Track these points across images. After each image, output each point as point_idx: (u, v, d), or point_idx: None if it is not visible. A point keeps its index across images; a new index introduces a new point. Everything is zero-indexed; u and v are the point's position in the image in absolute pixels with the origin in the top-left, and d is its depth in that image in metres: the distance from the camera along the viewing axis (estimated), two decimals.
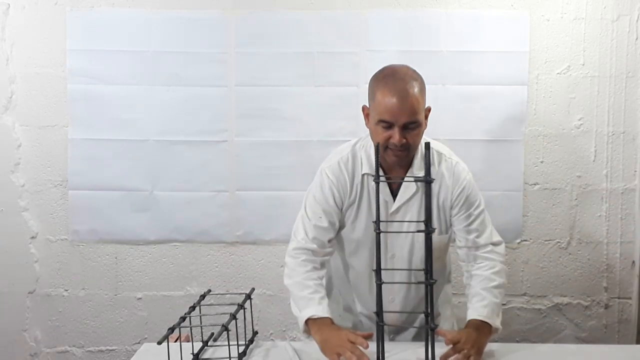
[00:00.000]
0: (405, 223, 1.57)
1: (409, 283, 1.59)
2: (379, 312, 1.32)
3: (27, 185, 2.35)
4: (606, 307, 2.39)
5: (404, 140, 1.47)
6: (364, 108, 1.59)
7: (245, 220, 2.36)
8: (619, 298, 2.38)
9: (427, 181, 1.33)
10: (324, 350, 1.44)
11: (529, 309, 2.39)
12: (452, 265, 1.80)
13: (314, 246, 1.58)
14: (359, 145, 1.64)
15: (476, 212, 1.59)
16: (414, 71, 1.53)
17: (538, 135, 2.33)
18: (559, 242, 2.37)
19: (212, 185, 2.34)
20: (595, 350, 1.60)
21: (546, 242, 2.37)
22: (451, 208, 1.59)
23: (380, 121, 1.48)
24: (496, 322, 1.52)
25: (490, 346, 1.51)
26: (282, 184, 2.32)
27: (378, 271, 1.32)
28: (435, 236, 1.41)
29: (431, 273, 1.31)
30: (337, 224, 1.61)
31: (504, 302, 2.38)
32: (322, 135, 2.29)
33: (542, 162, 2.34)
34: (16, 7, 2.29)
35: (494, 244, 1.60)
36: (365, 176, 1.59)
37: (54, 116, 2.33)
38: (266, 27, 2.30)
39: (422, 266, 1.36)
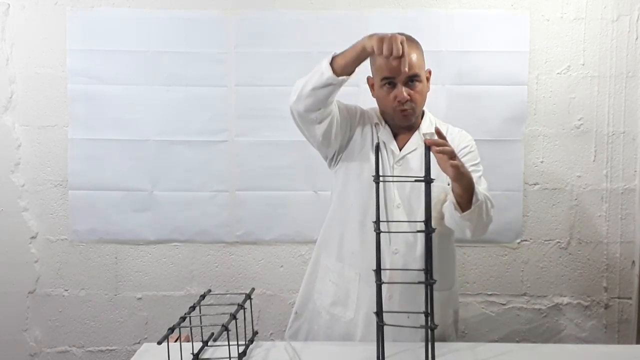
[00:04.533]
0: (404, 176, 1.61)
1: (410, 283, 1.59)
2: (379, 312, 1.32)
3: (27, 185, 2.36)
4: (606, 307, 2.39)
5: (408, 96, 1.57)
6: (368, 79, 1.69)
7: (245, 220, 2.36)
8: (619, 298, 2.38)
9: (427, 181, 1.33)
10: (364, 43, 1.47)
11: (529, 309, 2.39)
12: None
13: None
14: (368, 109, 1.74)
15: (475, 168, 1.62)
16: (410, 36, 1.62)
17: (538, 135, 2.33)
18: (559, 242, 2.37)
19: (212, 185, 2.34)
20: (595, 350, 1.60)
21: (546, 242, 2.37)
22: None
23: (384, 79, 1.59)
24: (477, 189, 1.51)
25: (491, 346, 1.52)
26: (282, 184, 2.32)
27: (378, 271, 1.32)
28: (438, 185, 1.52)
29: (431, 273, 1.31)
30: (342, 121, 1.64)
31: (504, 302, 2.38)
32: None
33: (542, 162, 2.34)
34: (16, 7, 2.29)
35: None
36: (375, 126, 1.68)
37: (54, 116, 2.33)
38: (266, 27, 2.30)
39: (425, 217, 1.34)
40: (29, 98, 2.33)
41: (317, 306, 1.75)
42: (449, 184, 1.63)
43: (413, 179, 1.42)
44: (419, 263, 1.55)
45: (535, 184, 2.35)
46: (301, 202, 2.34)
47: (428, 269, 1.31)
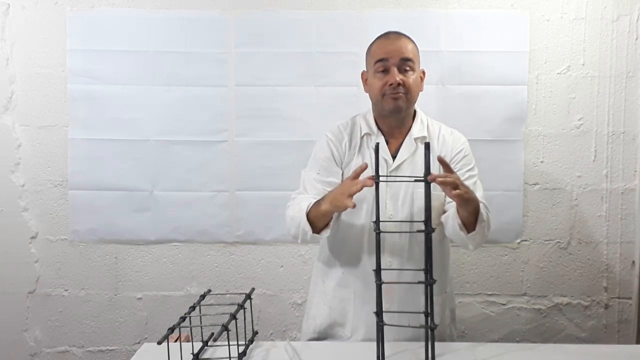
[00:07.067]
0: (405, 176, 1.60)
1: (410, 283, 1.58)
2: (379, 312, 1.32)
3: (27, 185, 2.36)
4: (606, 307, 2.39)
5: (401, 80, 1.57)
6: (362, 74, 1.70)
7: (245, 220, 2.36)
8: (619, 298, 2.38)
9: (426, 181, 1.33)
10: (336, 203, 1.46)
11: (529, 309, 2.39)
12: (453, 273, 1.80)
13: (312, 200, 1.59)
14: (358, 116, 1.74)
15: (470, 173, 1.63)
16: (404, 33, 1.66)
17: (538, 135, 2.33)
18: (559, 242, 2.37)
19: (212, 185, 2.34)
20: (595, 350, 1.60)
21: (546, 242, 2.37)
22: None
23: (377, 62, 1.60)
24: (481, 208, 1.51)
25: (491, 346, 1.51)
26: (282, 184, 2.31)
27: (378, 271, 1.32)
28: (434, 192, 1.48)
29: (431, 273, 1.31)
30: (336, 183, 1.63)
31: (504, 302, 2.38)
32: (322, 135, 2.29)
33: (542, 162, 2.34)
34: (16, 7, 2.29)
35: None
36: (365, 136, 1.68)
37: (54, 116, 2.33)
38: (266, 27, 2.30)
39: (423, 222, 1.34)
40: (29, 98, 2.33)
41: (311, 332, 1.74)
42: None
43: (413, 179, 1.43)
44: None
45: (535, 184, 2.35)
46: None
47: (428, 269, 1.31)
